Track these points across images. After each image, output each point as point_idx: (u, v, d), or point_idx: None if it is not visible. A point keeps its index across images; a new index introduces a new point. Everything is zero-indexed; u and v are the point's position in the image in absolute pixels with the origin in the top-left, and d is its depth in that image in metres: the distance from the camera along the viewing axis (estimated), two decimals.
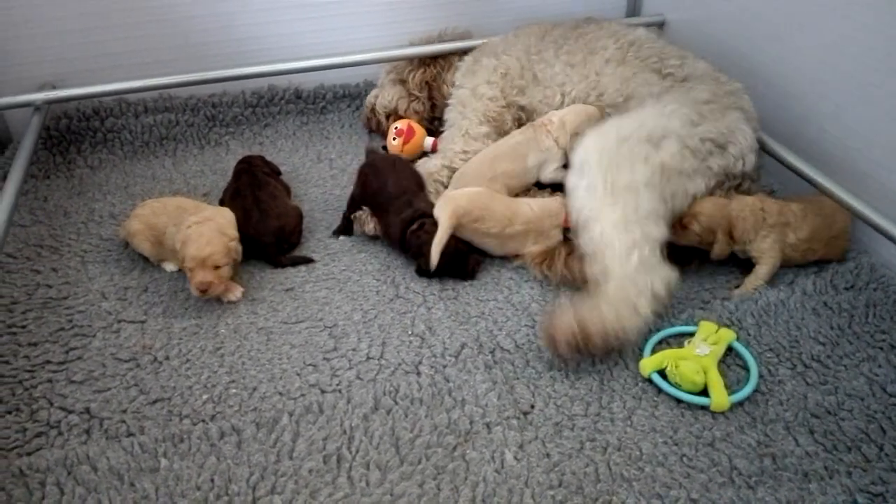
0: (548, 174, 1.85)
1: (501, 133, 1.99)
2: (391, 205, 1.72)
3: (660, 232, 1.51)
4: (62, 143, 2.15)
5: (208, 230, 1.56)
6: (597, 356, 1.41)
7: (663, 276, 1.47)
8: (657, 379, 1.36)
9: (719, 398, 1.31)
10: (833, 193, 1.64)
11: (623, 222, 1.48)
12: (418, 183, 1.80)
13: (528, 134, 1.87)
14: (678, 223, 1.59)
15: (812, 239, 1.60)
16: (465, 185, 1.80)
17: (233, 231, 1.62)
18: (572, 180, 1.59)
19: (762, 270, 1.59)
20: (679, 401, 1.34)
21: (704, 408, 1.33)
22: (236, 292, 1.61)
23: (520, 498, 1.17)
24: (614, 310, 1.40)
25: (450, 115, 2.06)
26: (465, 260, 1.65)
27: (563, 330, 1.37)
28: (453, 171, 1.90)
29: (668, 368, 1.36)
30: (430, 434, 1.28)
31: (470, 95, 2.02)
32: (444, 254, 1.61)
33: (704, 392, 1.34)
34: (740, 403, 1.34)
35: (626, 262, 1.45)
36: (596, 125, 1.79)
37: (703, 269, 1.67)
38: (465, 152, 1.93)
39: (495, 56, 2.05)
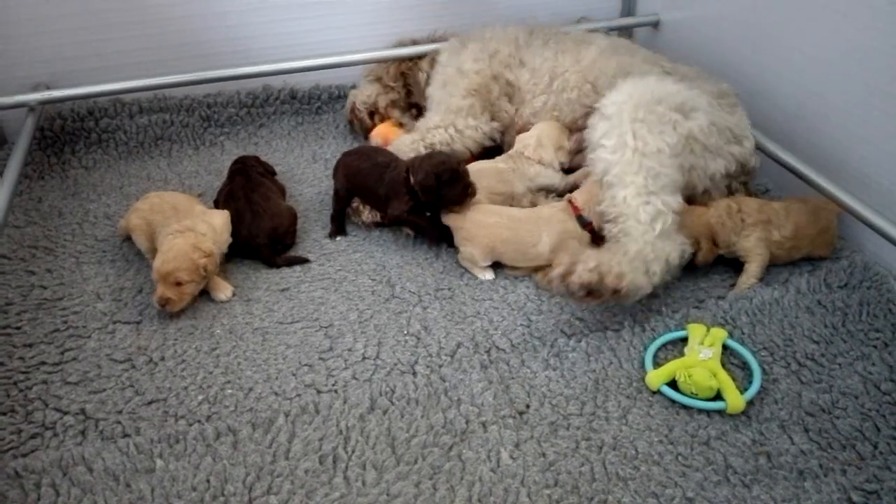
0: (556, 186, 1.85)
1: (488, 106, 1.99)
2: (385, 170, 1.73)
3: (677, 202, 1.52)
4: (56, 144, 2.15)
5: (180, 244, 1.55)
6: (599, 300, 1.41)
7: (678, 246, 1.50)
8: (668, 391, 1.35)
9: (734, 400, 1.31)
10: (826, 191, 1.65)
11: (644, 192, 1.49)
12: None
13: (510, 165, 1.86)
14: None
15: (797, 236, 1.61)
16: None
17: (209, 245, 1.59)
18: (599, 131, 1.57)
19: (752, 268, 1.60)
20: (672, 401, 1.35)
21: (719, 412, 1.33)
22: (226, 291, 1.62)
23: (515, 497, 1.18)
24: (630, 266, 1.42)
25: (433, 92, 2.06)
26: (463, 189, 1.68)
27: (583, 268, 1.37)
28: (425, 143, 1.92)
29: (682, 379, 1.35)
30: (426, 434, 1.28)
31: (455, 73, 2.01)
32: (436, 174, 1.64)
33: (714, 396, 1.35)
34: (750, 402, 1.34)
35: (649, 231, 1.47)
36: (563, 135, 1.88)
37: (696, 268, 1.67)
38: (438, 126, 1.94)
39: (482, 41, 2.05)
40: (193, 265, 1.54)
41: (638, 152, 1.50)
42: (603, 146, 1.55)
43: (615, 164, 1.52)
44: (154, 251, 1.66)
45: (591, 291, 1.38)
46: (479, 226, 1.66)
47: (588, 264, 1.38)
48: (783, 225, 1.60)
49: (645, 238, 1.47)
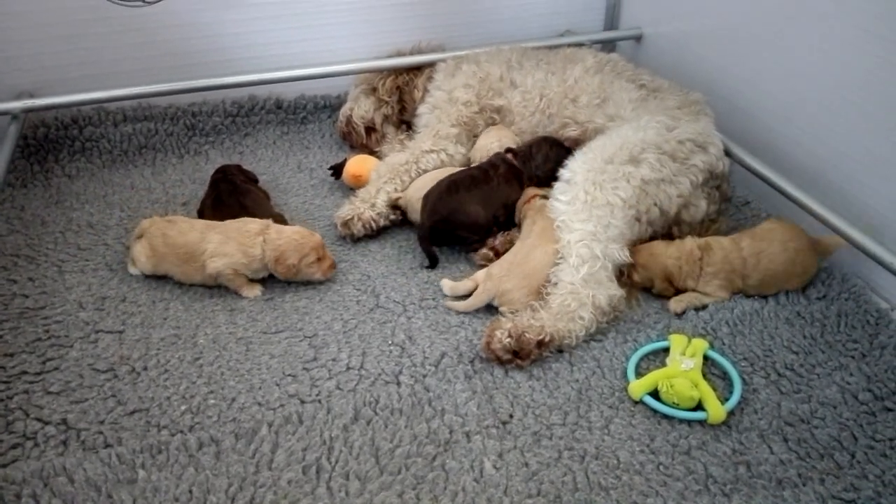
0: None
1: (471, 136, 2.07)
2: (487, 184, 1.80)
3: (621, 255, 1.58)
4: (40, 152, 2.14)
5: (285, 227, 1.66)
6: (530, 358, 1.45)
7: (608, 292, 1.54)
8: (650, 401, 1.37)
9: (716, 411, 1.33)
10: (804, 205, 1.67)
11: (589, 238, 1.56)
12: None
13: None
14: (624, 274, 1.62)
15: (764, 283, 1.59)
16: (420, 182, 1.87)
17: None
18: (556, 194, 1.66)
19: (705, 300, 1.60)
20: (654, 411, 1.36)
21: (700, 422, 1.34)
22: (255, 290, 1.66)
23: None
24: (554, 318, 1.47)
25: (424, 116, 2.13)
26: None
27: (500, 333, 1.44)
28: (418, 167, 1.97)
29: (664, 389, 1.36)
30: (410, 444, 1.28)
31: (446, 99, 2.09)
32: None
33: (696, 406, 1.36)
34: (730, 412, 1.35)
35: (574, 275, 1.53)
36: (516, 138, 1.99)
37: None
38: (431, 151, 2.00)
39: (476, 63, 2.13)
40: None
41: (588, 204, 1.60)
42: (559, 199, 1.65)
43: (565, 212, 1.61)
44: (182, 273, 1.65)
45: (516, 352, 1.43)
46: (526, 276, 1.59)
47: (504, 328, 1.44)
48: (749, 275, 1.58)
49: (570, 286, 1.52)
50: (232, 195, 1.80)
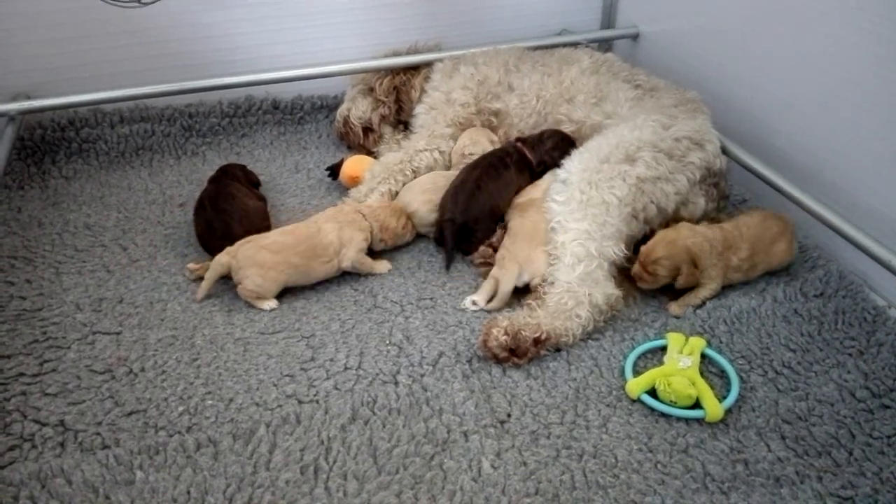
0: None
1: None
2: (500, 170, 1.84)
3: (617, 251, 1.59)
4: (37, 154, 2.14)
5: (370, 203, 1.78)
6: (526, 357, 1.45)
7: (605, 290, 1.54)
8: (648, 399, 1.37)
9: (713, 409, 1.33)
10: (802, 202, 1.68)
11: (584, 237, 1.56)
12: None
13: (453, 170, 1.98)
14: (644, 271, 1.58)
15: (753, 255, 1.61)
16: (409, 194, 1.87)
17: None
18: (552, 195, 1.67)
19: (703, 293, 1.59)
20: (652, 409, 1.36)
21: (698, 420, 1.34)
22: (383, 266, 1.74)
23: None
24: (550, 317, 1.48)
25: (421, 116, 2.14)
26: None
27: (497, 331, 1.44)
28: (412, 166, 1.99)
29: (661, 387, 1.36)
30: (408, 444, 1.28)
31: (444, 100, 2.11)
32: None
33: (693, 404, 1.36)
34: (728, 410, 1.35)
35: (570, 273, 1.54)
36: (492, 134, 2.03)
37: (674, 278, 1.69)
38: (425, 150, 2.02)
39: (474, 65, 2.14)
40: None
41: (584, 203, 1.61)
42: (555, 200, 1.66)
43: (561, 213, 1.63)
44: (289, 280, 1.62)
45: (512, 350, 1.44)
46: (528, 239, 1.66)
47: (501, 326, 1.45)
48: (740, 247, 1.60)
49: (566, 284, 1.53)
50: (210, 197, 1.78)
